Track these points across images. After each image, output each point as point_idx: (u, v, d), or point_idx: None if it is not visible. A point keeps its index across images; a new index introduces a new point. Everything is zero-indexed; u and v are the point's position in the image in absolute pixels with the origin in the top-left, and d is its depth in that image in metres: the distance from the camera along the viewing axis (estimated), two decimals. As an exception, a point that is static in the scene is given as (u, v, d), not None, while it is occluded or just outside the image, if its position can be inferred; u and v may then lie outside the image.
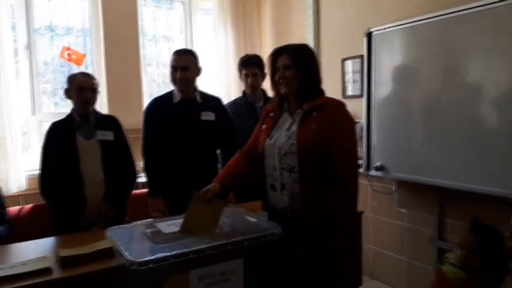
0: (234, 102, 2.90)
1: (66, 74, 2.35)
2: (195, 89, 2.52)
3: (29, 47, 3.36)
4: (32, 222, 2.66)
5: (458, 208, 2.70)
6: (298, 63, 1.74)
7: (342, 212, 1.67)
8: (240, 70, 2.85)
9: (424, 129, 2.71)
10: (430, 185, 2.72)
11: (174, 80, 2.44)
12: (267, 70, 2.83)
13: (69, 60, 3.39)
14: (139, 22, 3.76)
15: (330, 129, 1.68)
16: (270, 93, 2.86)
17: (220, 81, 4.01)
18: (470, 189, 2.44)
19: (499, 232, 1.67)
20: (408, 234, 3.07)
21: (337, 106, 1.75)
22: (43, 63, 3.49)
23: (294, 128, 1.74)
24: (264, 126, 1.89)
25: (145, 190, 2.76)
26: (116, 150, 2.33)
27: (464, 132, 2.46)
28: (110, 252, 1.67)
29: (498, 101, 2.32)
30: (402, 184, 3.06)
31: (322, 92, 1.82)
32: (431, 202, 2.85)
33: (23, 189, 3.14)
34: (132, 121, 2.82)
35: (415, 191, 2.98)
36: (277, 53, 1.80)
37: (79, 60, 3.40)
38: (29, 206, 2.82)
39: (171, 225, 1.68)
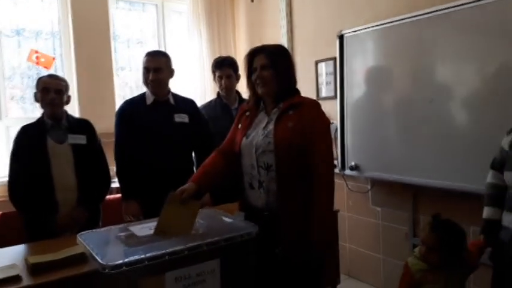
0: (209, 104, 2.88)
1: (35, 78, 2.28)
2: (168, 91, 2.49)
3: (-5, 50, 3.25)
4: (2, 231, 2.56)
5: (431, 204, 2.76)
6: (275, 64, 1.75)
7: (320, 208, 1.69)
8: (213, 72, 2.84)
9: (397, 129, 2.77)
10: (404, 183, 2.78)
11: (146, 81, 2.41)
12: (242, 70, 2.85)
13: (37, 63, 3.31)
14: (111, 25, 3.71)
15: (306, 128, 1.70)
16: (245, 94, 2.87)
17: (194, 83, 3.99)
18: (442, 186, 2.51)
19: (459, 229, 1.73)
20: (383, 231, 3.13)
21: (313, 105, 1.78)
22: (10, 67, 3.38)
23: (271, 126, 1.75)
24: (240, 126, 1.89)
25: (119, 195, 2.70)
26: (89, 154, 2.27)
27: (435, 131, 2.52)
28: (82, 258, 1.62)
29: (467, 101, 2.40)
30: (376, 183, 3.11)
31: (298, 91, 1.84)
32: (405, 199, 2.91)
33: (-10, 197, 3.02)
34: (104, 125, 2.74)
35: (389, 189, 3.04)
36: (253, 53, 1.80)
37: (48, 63, 3.32)
38: (-3, 214, 2.72)
39: (145, 228, 1.64)
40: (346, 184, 3.29)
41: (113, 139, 2.48)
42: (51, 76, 2.28)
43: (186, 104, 2.57)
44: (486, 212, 1.82)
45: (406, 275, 1.78)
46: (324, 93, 3.42)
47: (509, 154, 1.73)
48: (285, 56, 1.82)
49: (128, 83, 3.96)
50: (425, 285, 1.72)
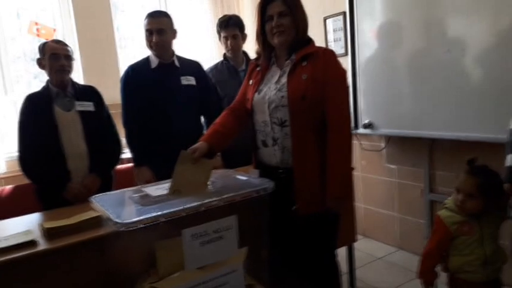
0: (215, 67, 2.78)
1: (36, 51, 2.22)
2: (172, 53, 2.42)
3: (-6, 23, 3.18)
4: (14, 203, 2.55)
5: (447, 159, 2.71)
6: (294, 10, 1.66)
7: (337, 163, 1.63)
8: (218, 32, 2.73)
9: (411, 84, 2.67)
10: (419, 138, 2.71)
11: (150, 44, 2.33)
12: (249, 29, 2.75)
13: (38, 35, 3.23)
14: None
15: (321, 78, 1.63)
16: (252, 55, 2.78)
17: (198, 46, 3.88)
18: (458, 137, 2.43)
19: (496, 173, 1.63)
20: (399, 189, 3.08)
21: (328, 55, 1.69)
22: (11, 40, 3.31)
23: (284, 79, 1.69)
24: (251, 82, 1.82)
25: (130, 165, 2.67)
26: (98, 121, 2.23)
27: (450, 82, 2.43)
28: (97, 221, 1.60)
29: (482, 50, 2.29)
30: (391, 140, 3.04)
31: (311, 41, 1.75)
32: (420, 155, 2.85)
33: (2, 172, 3.03)
34: (110, 96, 2.63)
35: (403, 146, 2.98)
36: (267, 0, 1.70)
37: (49, 34, 3.24)
38: (10, 186, 2.71)
39: (159, 189, 1.62)
40: (360, 143, 3.23)
41: (120, 110, 2.43)
42: (58, 42, 2.19)
43: (192, 66, 2.49)
44: (511, 159, 1.74)
45: (440, 229, 1.68)
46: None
47: None
48: (299, 2, 1.72)
49: (131, 52, 3.87)
50: (460, 238, 1.64)
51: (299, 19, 1.68)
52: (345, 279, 2.46)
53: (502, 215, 1.67)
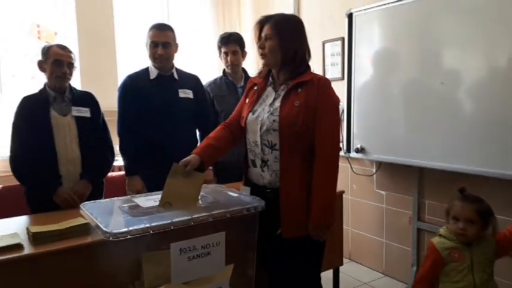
0: (214, 82, 2.82)
1: (34, 52, 2.21)
2: (172, 65, 2.45)
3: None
4: (3, 205, 2.52)
5: (435, 188, 2.74)
6: (280, 34, 1.67)
7: (321, 192, 1.64)
8: (219, 48, 2.77)
9: (404, 112, 2.71)
10: (409, 166, 2.74)
11: (153, 56, 2.36)
12: (249, 47, 2.79)
13: (39, 38, 3.24)
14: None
15: (313, 105, 1.64)
16: (251, 72, 2.82)
17: (198, 61, 3.93)
18: (447, 168, 2.46)
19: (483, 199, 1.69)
20: (387, 216, 3.10)
21: (323, 83, 1.69)
22: (10, 40, 3.31)
23: (277, 103, 1.70)
24: (247, 100, 1.84)
25: (122, 173, 2.66)
26: (93, 128, 2.23)
27: (442, 113, 2.47)
28: (85, 229, 1.59)
29: (475, 84, 2.33)
30: (382, 166, 3.07)
31: (308, 67, 1.75)
32: (410, 183, 2.87)
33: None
34: (106, 102, 2.63)
35: (394, 173, 3.01)
36: (263, 22, 1.73)
37: (49, 37, 3.26)
38: (-1, 187, 2.68)
39: (149, 200, 1.62)
40: (351, 167, 3.26)
41: (115, 117, 2.44)
42: (63, 48, 2.18)
43: (190, 79, 2.52)
44: None
45: (432, 254, 1.71)
46: (330, 74, 3.35)
47: None
48: (294, 25, 1.73)
49: (130, 61, 3.88)
50: (450, 264, 1.66)
51: (285, 44, 1.67)
52: (329, 302, 2.45)
53: (493, 251, 1.69)
